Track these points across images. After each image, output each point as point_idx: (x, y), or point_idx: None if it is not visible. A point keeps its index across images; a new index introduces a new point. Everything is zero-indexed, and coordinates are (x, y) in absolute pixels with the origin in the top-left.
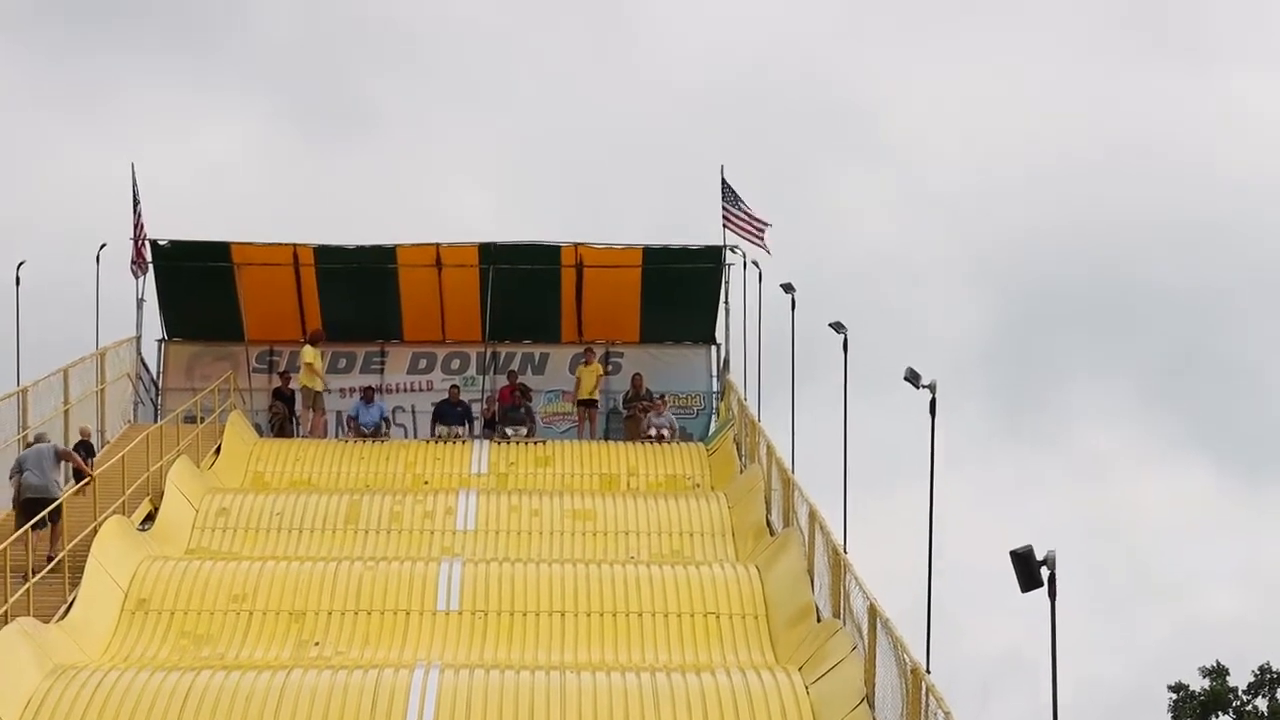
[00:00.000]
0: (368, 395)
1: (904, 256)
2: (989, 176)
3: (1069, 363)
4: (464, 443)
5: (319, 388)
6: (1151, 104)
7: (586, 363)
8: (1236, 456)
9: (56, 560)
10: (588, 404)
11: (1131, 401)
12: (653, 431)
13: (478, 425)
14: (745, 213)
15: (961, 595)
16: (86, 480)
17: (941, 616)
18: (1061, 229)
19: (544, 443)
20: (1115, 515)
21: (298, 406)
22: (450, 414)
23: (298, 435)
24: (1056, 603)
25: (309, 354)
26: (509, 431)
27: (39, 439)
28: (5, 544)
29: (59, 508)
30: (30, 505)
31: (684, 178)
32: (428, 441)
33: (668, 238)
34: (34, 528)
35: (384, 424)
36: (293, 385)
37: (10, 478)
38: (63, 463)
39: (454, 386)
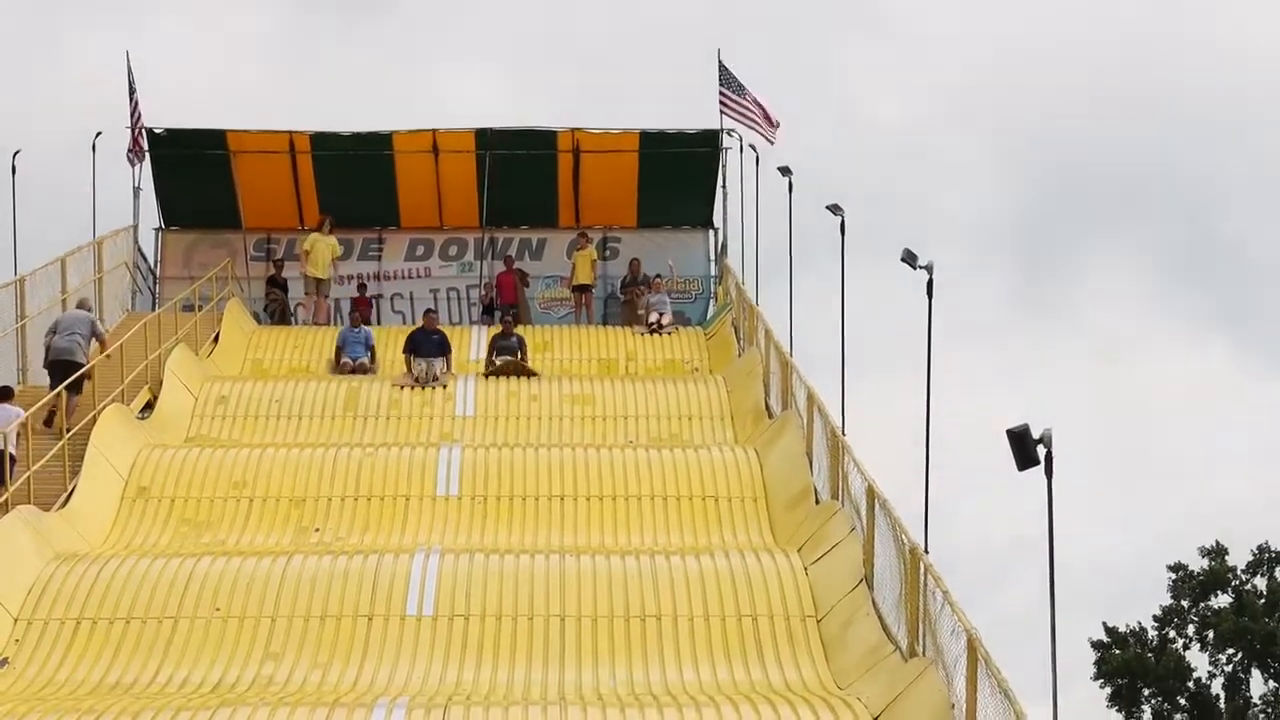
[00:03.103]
0: (355, 320)
1: (916, 139)
2: (1004, 57)
3: (1086, 244)
4: (443, 387)
5: (324, 275)
6: None
7: (581, 248)
8: (1256, 337)
9: (72, 431)
10: (583, 289)
11: (1150, 283)
12: (652, 316)
13: (471, 351)
14: (752, 103)
15: (969, 478)
16: (104, 354)
17: (948, 500)
18: (1080, 112)
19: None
20: (1130, 396)
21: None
22: (425, 344)
23: (295, 323)
24: (1054, 481)
25: (310, 240)
26: (496, 359)
27: (81, 304)
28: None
29: (86, 375)
30: (55, 367)
31: (688, 62)
32: (399, 386)
33: (672, 124)
34: (64, 390)
35: (370, 355)
36: (286, 273)
37: (45, 337)
38: (94, 335)
39: (430, 311)
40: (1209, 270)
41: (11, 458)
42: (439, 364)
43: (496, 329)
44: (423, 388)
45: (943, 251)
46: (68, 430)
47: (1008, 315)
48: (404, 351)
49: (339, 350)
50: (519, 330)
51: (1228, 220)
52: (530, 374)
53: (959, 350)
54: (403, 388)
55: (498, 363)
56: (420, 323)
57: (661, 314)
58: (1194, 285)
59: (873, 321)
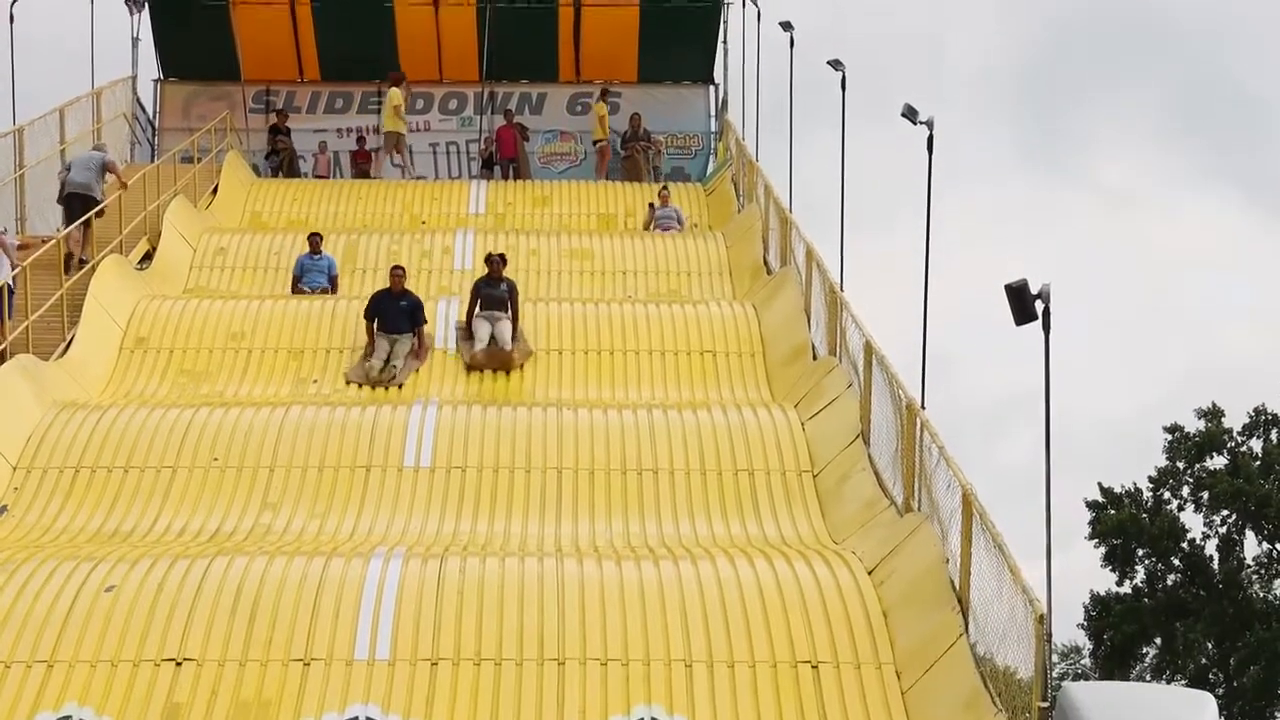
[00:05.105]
0: (314, 244)
1: None
2: None
3: (1092, 95)
4: (399, 388)
5: (403, 129)
6: None
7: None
8: (1264, 188)
9: (90, 265)
10: (599, 144)
11: (1157, 136)
12: (659, 229)
13: (470, 205)
14: None
15: (973, 337)
16: (120, 190)
17: (952, 358)
18: None
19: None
20: (1136, 249)
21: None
22: (390, 310)
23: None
24: (1052, 337)
25: (396, 97)
26: (479, 312)
27: (97, 147)
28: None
29: (100, 211)
30: (71, 201)
31: None
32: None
33: None
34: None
35: (332, 287)
36: (289, 124)
37: (59, 174)
38: (107, 173)
39: (397, 270)
40: (1217, 122)
41: (10, 289)
42: (405, 345)
43: (483, 271)
44: (373, 388)
45: (947, 106)
46: (85, 260)
47: (1011, 170)
48: (365, 317)
49: (296, 280)
50: (510, 278)
51: (1238, 71)
52: (512, 367)
53: (962, 206)
54: (350, 383)
55: (478, 351)
56: (388, 283)
57: (670, 225)
58: (1202, 136)
59: (874, 178)
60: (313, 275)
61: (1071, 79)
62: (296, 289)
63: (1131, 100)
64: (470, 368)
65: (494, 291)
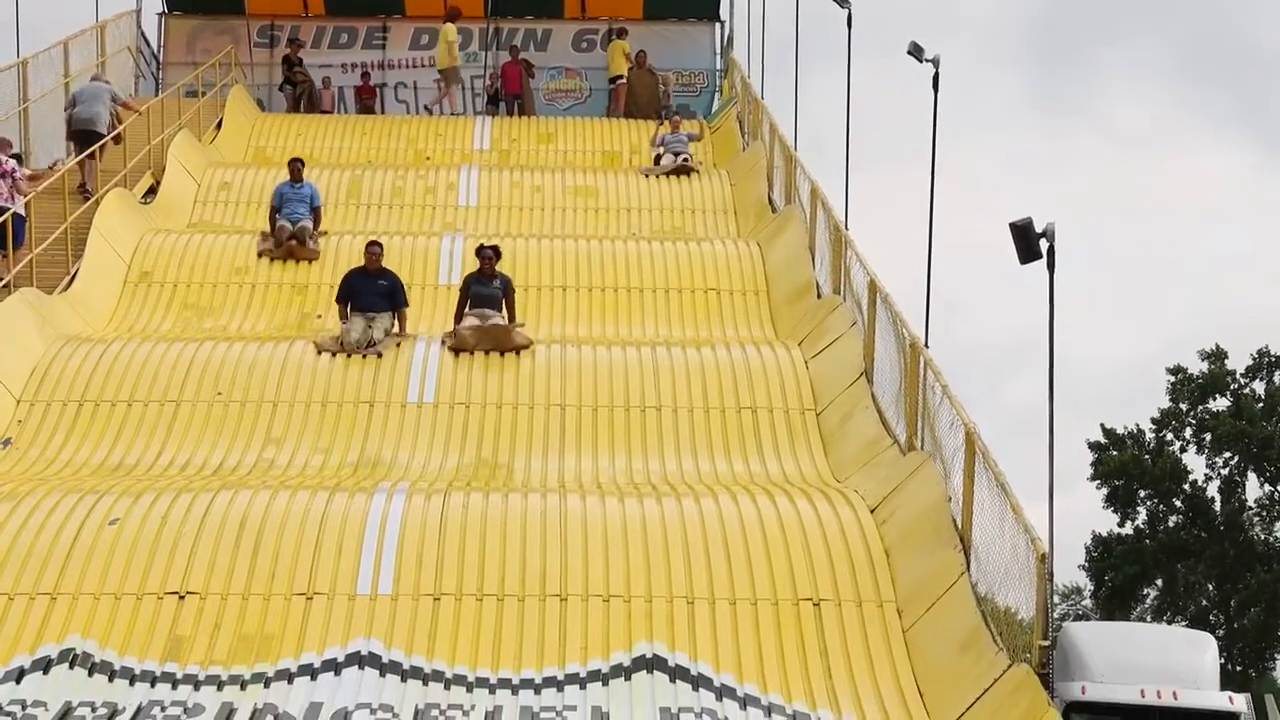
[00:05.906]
0: (295, 172)
1: None
2: None
3: (1107, 38)
4: (377, 356)
5: (458, 63)
6: None
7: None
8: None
9: (94, 199)
10: (622, 81)
11: (1170, 81)
12: (666, 159)
13: (474, 141)
14: None
15: (979, 279)
16: (135, 114)
17: (958, 300)
18: None
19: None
20: (1148, 194)
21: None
22: (366, 289)
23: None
24: (1057, 277)
25: (450, 32)
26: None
27: (95, 78)
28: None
29: (113, 140)
30: (79, 136)
31: None
32: (347, 321)
33: None
34: (86, 158)
35: (313, 219)
36: (301, 54)
37: (65, 110)
38: (113, 103)
39: (374, 246)
40: (1231, 69)
41: (20, 217)
42: (383, 323)
43: (474, 267)
44: (349, 356)
45: (956, 46)
46: (90, 193)
47: (1022, 112)
48: (337, 301)
49: (274, 211)
50: (505, 273)
51: (1251, 22)
52: (508, 346)
53: (969, 150)
54: (322, 352)
55: (470, 322)
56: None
57: (683, 154)
58: (1215, 84)
59: (879, 117)
60: (293, 205)
61: (1083, 26)
62: (274, 223)
63: (1143, 47)
64: (456, 350)
65: (485, 290)
